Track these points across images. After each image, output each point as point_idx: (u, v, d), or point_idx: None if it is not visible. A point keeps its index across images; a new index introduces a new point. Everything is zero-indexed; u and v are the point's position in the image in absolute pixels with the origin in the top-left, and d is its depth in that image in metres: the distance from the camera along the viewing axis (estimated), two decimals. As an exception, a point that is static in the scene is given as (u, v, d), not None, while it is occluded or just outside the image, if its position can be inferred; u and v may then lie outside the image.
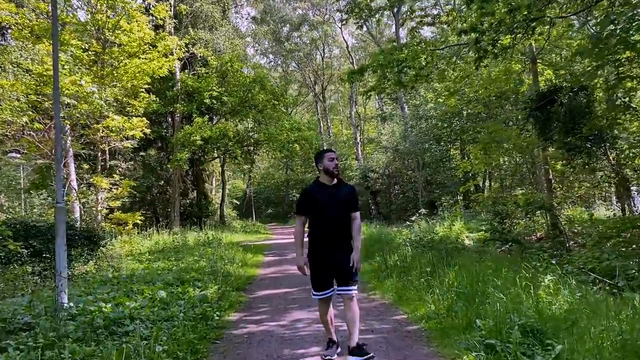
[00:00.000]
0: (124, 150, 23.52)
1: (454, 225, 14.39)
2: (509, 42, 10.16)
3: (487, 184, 26.20)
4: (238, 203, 45.90)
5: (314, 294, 4.46)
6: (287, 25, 42.23)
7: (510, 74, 14.87)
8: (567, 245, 11.28)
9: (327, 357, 4.39)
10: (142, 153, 25.15)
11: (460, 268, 6.84)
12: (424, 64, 13.54)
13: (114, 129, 12.52)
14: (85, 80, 12.01)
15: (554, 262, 6.98)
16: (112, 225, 14.44)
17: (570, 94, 9.59)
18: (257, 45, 46.38)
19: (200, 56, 26.37)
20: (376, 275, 8.64)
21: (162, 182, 27.80)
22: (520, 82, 16.09)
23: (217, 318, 6.00)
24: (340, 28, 39.21)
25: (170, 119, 26.84)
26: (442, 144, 28.23)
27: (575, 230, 12.97)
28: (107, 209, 13.88)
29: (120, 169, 18.23)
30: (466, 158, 27.90)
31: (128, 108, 14.13)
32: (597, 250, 8.14)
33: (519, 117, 13.57)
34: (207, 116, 23.48)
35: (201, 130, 22.46)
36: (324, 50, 43.46)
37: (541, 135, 10.36)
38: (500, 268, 6.65)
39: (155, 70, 15.04)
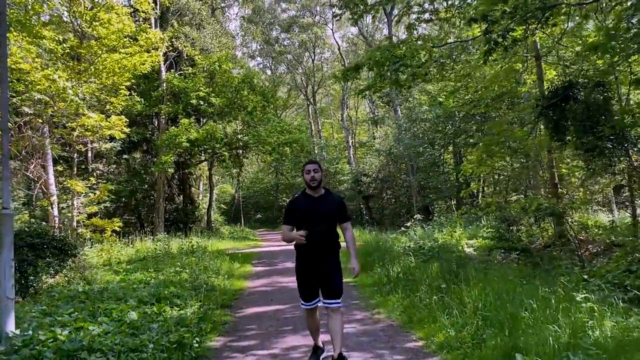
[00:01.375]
0: (107, 153, 22.49)
1: (454, 232, 13.55)
2: (520, 34, 9.38)
3: (480, 189, 25.47)
4: (226, 208, 44.80)
5: (302, 304, 4.48)
6: (277, 26, 41.39)
7: (512, 73, 14.12)
8: (579, 253, 10.50)
9: None
10: (125, 156, 24.04)
11: (478, 283, 5.98)
12: (423, 60, 12.77)
13: (89, 127, 11.53)
14: (59, 75, 11.03)
15: (585, 277, 6.14)
16: (91, 233, 13.40)
17: (586, 90, 8.80)
18: (245, 48, 45.55)
19: (187, 55, 25.42)
20: (378, 290, 7.74)
21: (147, 186, 26.71)
22: (518, 83, 15.37)
23: (196, 346, 5.07)
24: (332, 30, 38.45)
25: (155, 121, 25.80)
26: (437, 147, 27.53)
27: (582, 238, 12.21)
28: (83, 214, 12.84)
29: (98, 172, 17.15)
30: (461, 162, 27.25)
31: (107, 106, 13.14)
32: (623, 261, 7.34)
33: (527, 117, 12.79)
34: (193, 117, 22.45)
35: (187, 132, 21.48)
36: (314, 52, 42.64)
37: (553, 136, 9.56)
38: (522, 284, 5.80)
39: (137, 67, 14.06)
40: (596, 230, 11.60)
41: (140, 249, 15.53)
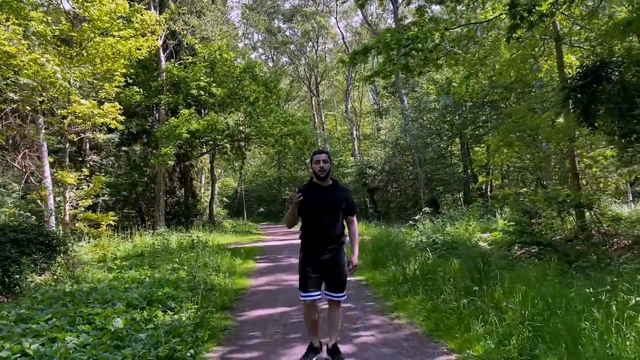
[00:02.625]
0: (104, 145, 21.76)
1: (469, 225, 12.79)
2: (547, 8, 8.58)
3: (489, 181, 24.65)
4: (228, 201, 44.12)
5: (301, 296, 4.27)
6: (280, 15, 40.48)
7: (529, 58, 13.31)
8: (607, 248, 9.75)
9: None
10: (124, 148, 23.29)
11: (513, 283, 5.24)
12: (437, 41, 11.98)
13: (81, 115, 10.78)
14: (47, 59, 10.27)
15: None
16: (85, 227, 12.70)
17: (622, 69, 8.00)
18: (247, 39, 44.68)
19: (187, 44, 24.62)
20: (394, 290, 6.99)
21: (147, 179, 25.99)
22: (532, 69, 14.54)
23: (190, 358, 4.34)
24: (336, 18, 37.55)
25: (155, 112, 25.04)
26: (444, 138, 26.74)
27: (604, 231, 11.46)
28: (75, 208, 12.12)
29: (96, 164, 16.42)
30: (469, 154, 26.45)
31: (101, 93, 12.37)
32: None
33: (543, 105, 12.00)
34: (194, 108, 21.68)
35: (188, 123, 20.74)
36: (317, 42, 41.75)
37: (581, 121, 8.76)
38: (566, 285, 5.05)
39: (132, 52, 13.27)
40: (618, 223, 10.82)
41: (138, 243, 14.85)
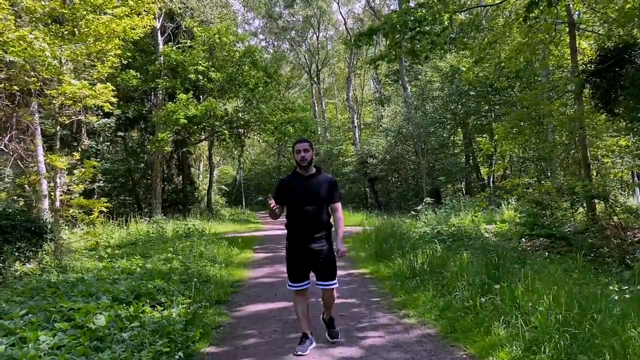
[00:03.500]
0: (100, 130, 21.21)
1: (476, 216, 12.33)
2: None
3: (492, 172, 24.16)
4: (227, 190, 43.63)
5: (289, 285, 4.36)
6: (280, 0, 39.70)
7: (539, 44, 12.78)
8: (622, 241, 9.31)
9: (298, 353, 4.14)
10: (120, 133, 22.74)
11: (535, 280, 4.78)
12: (446, 23, 11.45)
13: (71, 96, 10.25)
14: (35, 35, 9.71)
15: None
16: (77, 213, 12.22)
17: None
18: (246, 24, 43.93)
19: (185, 27, 23.98)
20: (401, 285, 6.51)
21: (144, 165, 25.48)
22: (540, 58, 14.00)
23: (179, 362, 3.88)
24: (338, 3, 36.80)
25: (152, 97, 24.46)
26: (447, 127, 26.23)
27: (613, 223, 11.01)
28: (67, 193, 11.62)
29: (91, 150, 15.92)
30: (472, 144, 25.97)
31: (94, 74, 11.81)
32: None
33: (562, 89, 11.46)
34: (192, 93, 21.09)
35: (185, 108, 20.17)
36: (318, 28, 41.00)
37: (600, 107, 8.27)
38: (596, 282, 4.59)
39: (127, 32, 12.68)
40: (637, 215, 10.35)
41: (132, 231, 14.42)
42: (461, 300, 5.06)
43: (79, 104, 10.58)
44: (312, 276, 4.36)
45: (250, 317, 5.53)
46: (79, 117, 11.97)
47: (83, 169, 12.03)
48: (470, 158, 26.49)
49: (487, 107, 24.16)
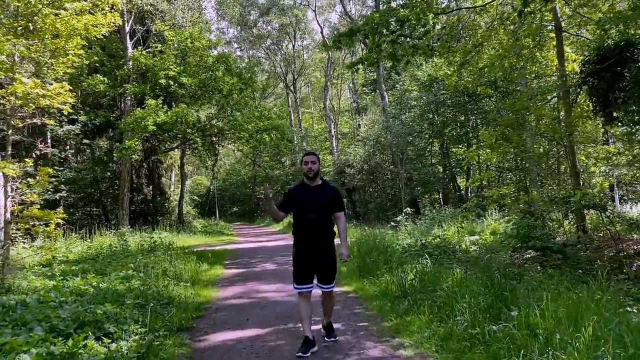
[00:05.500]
0: (64, 137, 20.03)
1: (461, 227, 11.71)
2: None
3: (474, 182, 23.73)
4: (200, 201, 42.44)
5: (295, 287, 4.60)
6: (255, 8, 39.00)
7: (524, 48, 12.34)
8: (616, 254, 8.77)
9: (298, 354, 4.33)
10: (85, 140, 21.54)
11: (548, 301, 4.07)
12: (431, 24, 10.91)
13: (21, 96, 9.26)
14: (-20, 29, 8.74)
15: None
16: (32, 226, 11.14)
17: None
18: (221, 33, 43.08)
19: (156, 31, 23.05)
20: (391, 306, 5.75)
21: (112, 175, 24.27)
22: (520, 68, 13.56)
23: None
24: (314, 10, 36.32)
25: (121, 103, 23.37)
26: (427, 136, 25.79)
27: (603, 234, 10.52)
28: (20, 204, 10.55)
29: (37, 153, 14.81)
30: (449, 154, 25.57)
31: (50, 74, 10.81)
32: None
33: (546, 93, 10.99)
34: (161, 99, 20.11)
35: (155, 114, 19.18)
36: (294, 37, 40.41)
37: (600, 110, 7.72)
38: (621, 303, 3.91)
39: (90, 30, 11.74)
40: (631, 226, 9.83)
41: (94, 245, 13.38)
42: (464, 327, 4.33)
43: (31, 105, 9.58)
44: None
45: (217, 348, 4.69)
46: (34, 121, 10.93)
47: (39, 177, 10.97)
48: (447, 169, 26.11)
49: (463, 118, 23.88)
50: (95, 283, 6.97)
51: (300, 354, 4.30)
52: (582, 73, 7.87)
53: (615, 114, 7.75)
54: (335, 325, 5.16)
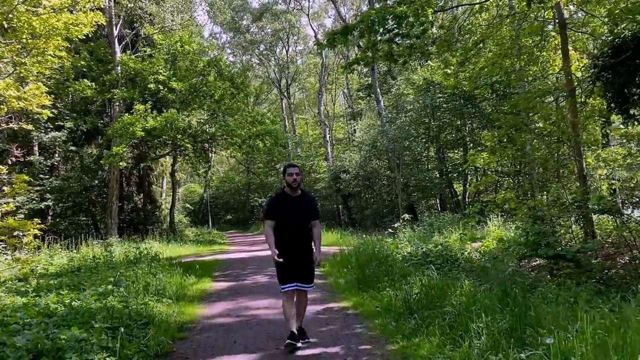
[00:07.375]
0: (49, 144, 19.33)
1: (465, 234, 11.13)
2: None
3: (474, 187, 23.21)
4: (193, 209, 41.70)
5: (281, 288, 4.94)
6: (248, 14, 38.51)
7: (525, 48, 11.86)
8: (630, 261, 8.21)
9: (289, 341, 4.66)
10: (72, 147, 20.83)
11: (584, 322, 3.47)
12: (430, 20, 10.40)
13: (-6, 98, 8.65)
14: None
15: None
16: (8, 238, 10.51)
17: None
18: (213, 38, 42.52)
19: (145, 34, 22.46)
20: (397, 326, 5.12)
21: (101, 183, 23.54)
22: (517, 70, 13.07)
23: None
24: (308, 15, 35.88)
25: (109, 109, 22.71)
26: (421, 141, 25.27)
27: (610, 240, 9.96)
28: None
29: (12, 160, 14.14)
30: (445, 158, 25.08)
31: (27, 75, 10.20)
32: None
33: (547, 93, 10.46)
34: (150, 104, 19.46)
35: (143, 120, 18.55)
36: (288, 42, 39.93)
37: (616, 107, 7.18)
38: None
39: (71, 30, 11.16)
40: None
41: (77, 256, 12.67)
42: (483, 351, 3.72)
43: (3, 108, 8.95)
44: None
45: (198, 379, 4.05)
46: (11, 125, 10.30)
47: (15, 185, 10.35)
48: (444, 173, 25.59)
49: (459, 122, 23.40)
50: (68, 301, 6.31)
51: (291, 341, 4.62)
52: (595, 68, 7.32)
53: (632, 112, 7.20)
54: (334, 349, 4.57)
